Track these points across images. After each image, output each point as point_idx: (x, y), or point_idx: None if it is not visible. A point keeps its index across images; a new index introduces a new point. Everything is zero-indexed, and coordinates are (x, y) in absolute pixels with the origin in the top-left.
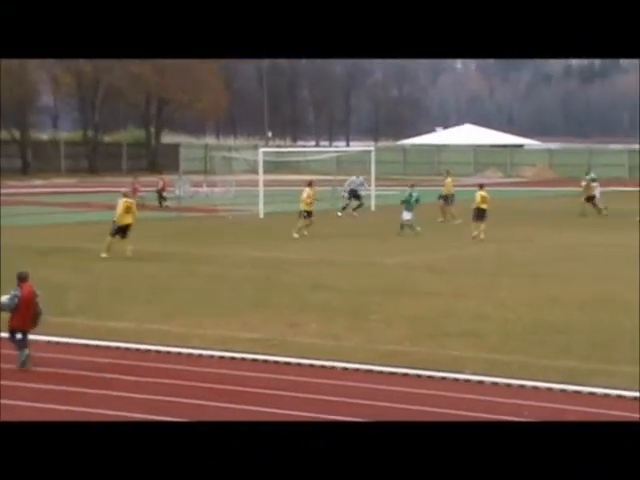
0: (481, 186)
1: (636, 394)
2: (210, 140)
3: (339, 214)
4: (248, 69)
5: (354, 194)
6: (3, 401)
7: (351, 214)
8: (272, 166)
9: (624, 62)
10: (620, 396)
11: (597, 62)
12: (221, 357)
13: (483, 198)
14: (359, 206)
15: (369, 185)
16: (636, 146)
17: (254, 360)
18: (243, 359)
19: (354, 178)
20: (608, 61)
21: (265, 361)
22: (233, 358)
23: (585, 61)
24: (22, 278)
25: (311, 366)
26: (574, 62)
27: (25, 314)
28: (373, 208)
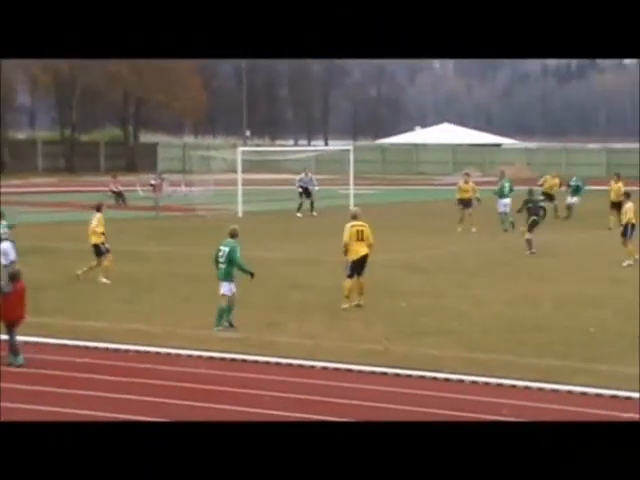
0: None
1: (614, 392)
2: (188, 139)
3: (298, 215)
4: (226, 68)
5: (306, 192)
6: None
7: (310, 215)
8: (251, 165)
9: (603, 61)
10: (599, 394)
11: (573, 62)
12: (199, 356)
13: None
14: (312, 204)
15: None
16: (614, 145)
17: (233, 360)
18: (222, 359)
19: (302, 176)
20: (583, 60)
21: (244, 361)
22: (211, 357)
23: (561, 61)
24: (14, 277)
25: (290, 365)
26: (551, 61)
27: (17, 308)
28: (352, 207)
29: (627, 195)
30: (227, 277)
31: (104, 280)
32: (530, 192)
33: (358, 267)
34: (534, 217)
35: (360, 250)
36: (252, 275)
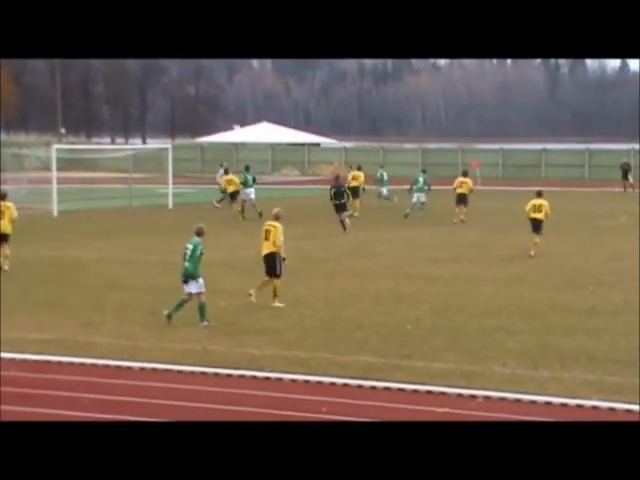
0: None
1: (429, 388)
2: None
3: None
4: (39, 63)
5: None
6: None
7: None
8: (66, 163)
9: (417, 62)
10: (415, 390)
11: (389, 61)
12: (11, 359)
13: None
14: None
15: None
16: (429, 145)
17: (47, 362)
18: (36, 361)
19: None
20: (398, 60)
21: (59, 362)
22: (25, 360)
23: (378, 60)
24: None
25: (107, 366)
26: (368, 61)
27: None
28: (170, 206)
29: (539, 193)
30: (192, 275)
31: None
32: (336, 178)
33: (265, 265)
34: (336, 202)
35: (264, 249)
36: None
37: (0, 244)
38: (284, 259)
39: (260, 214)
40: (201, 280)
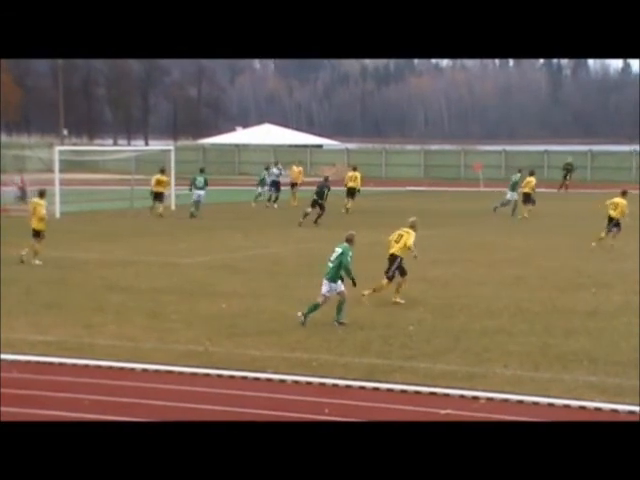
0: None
1: (432, 389)
2: (3, 139)
3: (267, 204)
4: (41, 65)
5: (276, 185)
6: None
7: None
8: (68, 165)
9: (420, 63)
10: (418, 392)
11: (391, 63)
12: (13, 361)
13: None
14: (277, 198)
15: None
16: (431, 147)
17: (49, 363)
18: (38, 363)
19: (274, 169)
20: (400, 62)
21: (61, 364)
22: (28, 362)
23: (380, 61)
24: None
25: (110, 368)
26: (370, 62)
27: None
28: (173, 207)
29: (624, 193)
30: (332, 277)
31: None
32: (326, 179)
33: (389, 263)
34: (315, 197)
35: (391, 249)
36: (354, 283)
37: (34, 240)
38: (401, 259)
39: (192, 214)
40: (339, 282)
